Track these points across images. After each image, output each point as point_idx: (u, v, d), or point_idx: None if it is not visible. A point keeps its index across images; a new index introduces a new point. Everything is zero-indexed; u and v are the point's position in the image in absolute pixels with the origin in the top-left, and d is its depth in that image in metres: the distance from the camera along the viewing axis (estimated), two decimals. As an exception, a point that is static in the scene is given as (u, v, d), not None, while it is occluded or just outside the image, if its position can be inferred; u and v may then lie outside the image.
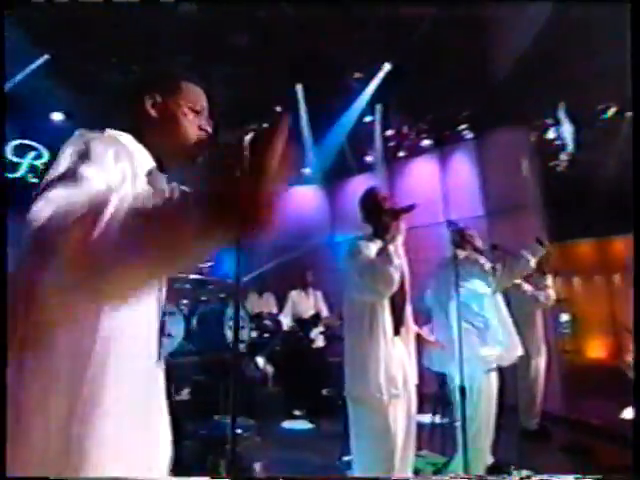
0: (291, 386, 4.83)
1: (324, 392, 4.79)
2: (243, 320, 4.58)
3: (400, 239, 2.05)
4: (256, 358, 4.45)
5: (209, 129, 1.08)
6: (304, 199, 7.34)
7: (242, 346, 4.30)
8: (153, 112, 1.01)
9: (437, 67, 5.21)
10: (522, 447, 3.18)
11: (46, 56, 4.43)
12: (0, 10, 1.83)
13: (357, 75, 5.88)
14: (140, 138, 0.98)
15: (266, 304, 5.91)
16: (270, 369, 4.88)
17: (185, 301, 4.38)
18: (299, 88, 5.58)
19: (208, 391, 4.08)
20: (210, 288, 4.90)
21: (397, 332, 2.19)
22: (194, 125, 1.03)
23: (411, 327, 2.28)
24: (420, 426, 3.96)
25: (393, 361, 2.05)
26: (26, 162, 4.81)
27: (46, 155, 4.97)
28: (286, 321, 5.28)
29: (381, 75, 5.66)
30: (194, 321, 4.10)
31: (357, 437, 2.04)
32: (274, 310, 5.78)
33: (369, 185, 2.40)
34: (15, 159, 4.79)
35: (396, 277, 1.95)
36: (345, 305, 2.24)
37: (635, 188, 1.35)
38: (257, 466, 3.13)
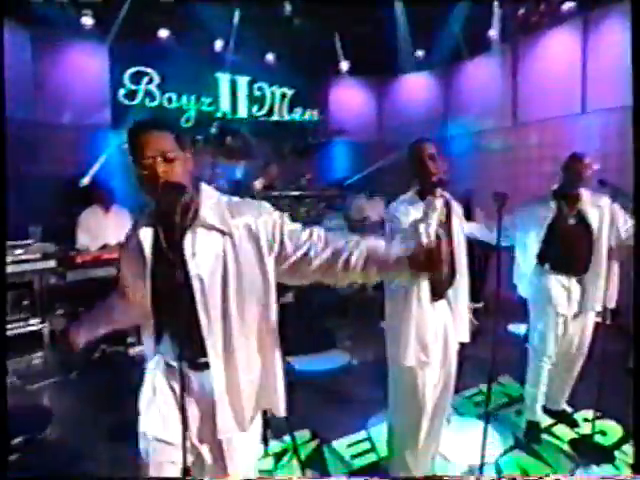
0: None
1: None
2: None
3: (434, 216, 1.82)
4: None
5: (158, 170, 1.18)
6: (414, 88, 6.62)
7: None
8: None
9: None
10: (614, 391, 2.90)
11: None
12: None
13: None
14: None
15: (373, 208, 5.93)
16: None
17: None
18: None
19: (310, 295, 4.61)
20: (308, 201, 5.09)
21: (441, 296, 2.09)
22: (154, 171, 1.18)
23: (462, 289, 2.14)
24: (512, 338, 3.91)
25: (428, 327, 1.99)
26: (141, 88, 5.25)
27: (157, 78, 5.32)
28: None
29: None
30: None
31: (390, 394, 2.15)
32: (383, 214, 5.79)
33: (419, 137, 2.06)
34: (133, 87, 5.25)
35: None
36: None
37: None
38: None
